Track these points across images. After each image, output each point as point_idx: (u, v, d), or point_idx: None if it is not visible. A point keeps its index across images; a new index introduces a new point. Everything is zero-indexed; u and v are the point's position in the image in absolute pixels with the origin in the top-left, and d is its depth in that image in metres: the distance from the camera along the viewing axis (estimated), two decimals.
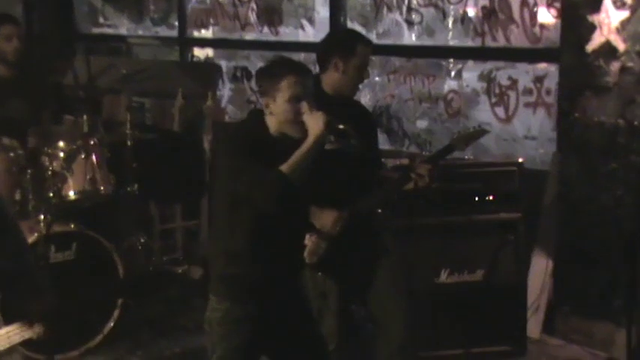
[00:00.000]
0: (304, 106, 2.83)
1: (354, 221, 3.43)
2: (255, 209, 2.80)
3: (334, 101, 3.52)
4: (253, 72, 6.74)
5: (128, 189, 4.87)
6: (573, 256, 4.52)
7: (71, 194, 4.40)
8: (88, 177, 4.42)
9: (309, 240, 3.29)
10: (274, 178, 2.75)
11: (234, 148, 2.84)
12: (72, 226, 4.39)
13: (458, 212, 4.24)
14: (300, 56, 6.36)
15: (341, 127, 2.88)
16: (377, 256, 3.56)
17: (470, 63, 5.41)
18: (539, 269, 4.58)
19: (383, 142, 5.46)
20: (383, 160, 4.01)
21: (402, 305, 3.54)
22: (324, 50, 3.58)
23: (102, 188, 4.50)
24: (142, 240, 5.09)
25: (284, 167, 2.76)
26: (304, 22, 6.36)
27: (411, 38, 5.67)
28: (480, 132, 3.82)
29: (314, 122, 2.80)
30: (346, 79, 3.50)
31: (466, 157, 4.58)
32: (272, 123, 2.88)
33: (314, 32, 6.27)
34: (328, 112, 3.41)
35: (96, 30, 7.90)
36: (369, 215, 3.58)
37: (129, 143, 4.88)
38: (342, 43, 3.53)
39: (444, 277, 4.22)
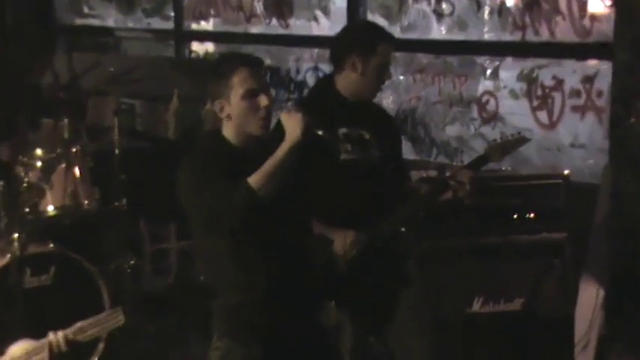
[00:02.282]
0: (263, 99, 2.87)
1: (374, 243, 3.44)
2: (226, 230, 2.80)
3: (351, 105, 3.54)
4: None
5: (115, 204, 4.90)
6: (628, 284, 4.50)
7: (50, 210, 4.43)
8: (69, 190, 4.45)
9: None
10: (240, 191, 2.74)
11: (193, 169, 2.87)
12: (50, 246, 4.42)
13: (493, 232, 4.23)
14: (313, 52, 6.40)
15: (320, 133, 2.88)
16: (398, 283, 3.57)
17: (508, 60, 5.41)
18: (589, 299, 4.56)
19: (407, 152, 5.47)
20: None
21: (426, 341, 3.54)
22: (339, 47, 3.59)
23: (85, 203, 4.53)
24: (131, 262, 5.11)
25: (252, 179, 2.75)
26: (318, 13, 6.39)
27: (440, 32, 5.68)
28: (520, 140, 3.82)
29: (292, 125, 2.81)
30: (365, 81, 3.52)
31: (503, 168, 4.58)
32: (231, 131, 2.91)
33: (329, 25, 6.29)
34: (343, 116, 3.45)
35: (79, 21, 7.96)
36: (390, 236, 3.59)
37: (116, 152, 4.91)
38: (360, 40, 3.54)
39: (477, 306, 4.21)
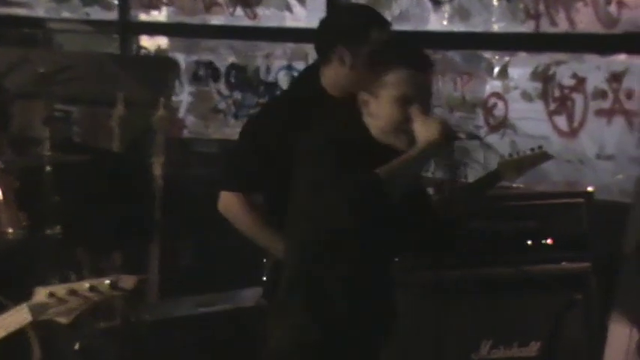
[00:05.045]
0: (416, 110, 2.88)
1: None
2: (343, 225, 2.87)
3: (337, 103, 3.55)
4: (222, 69, 6.76)
5: (47, 232, 4.86)
6: None
7: None
8: None
9: None
10: (367, 180, 2.77)
11: (322, 148, 2.91)
12: None
13: (504, 262, 4.23)
14: (286, 48, 6.40)
15: (461, 136, 2.97)
16: (384, 320, 3.54)
17: (519, 56, 5.44)
18: (620, 341, 4.56)
19: None
20: None
21: None
22: (324, 35, 3.61)
23: (9, 231, 4.47)
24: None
25: (380, 171, 2.80)
26: (292, 1, 6.40)
27: (438, 22, 5.70)
28: (540, 156, 3.83)
29: (427, 129, 2.86)
30: (355, 76, 3.49)
31: (514, 185, 4.58)
32: (372, 126, 2.96)
33: (305, 14, 6.31)
34: (327, 118, 3.46)
35: (2, 10, 7.92)
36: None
37: (48, 168, 4.87)
38: (347, 26, 3.55)
39: (485, 351, 4.21)
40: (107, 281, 2.77)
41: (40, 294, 2.80)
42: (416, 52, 3.02)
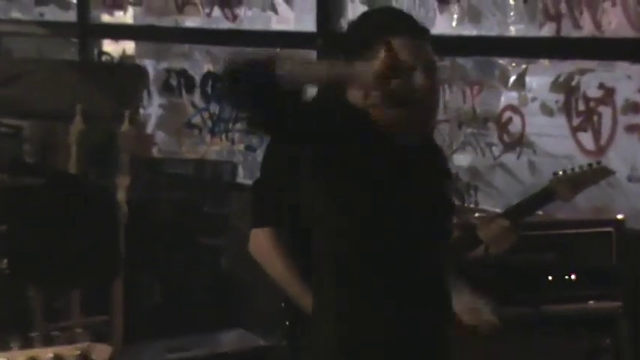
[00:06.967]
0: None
1: None
2: None
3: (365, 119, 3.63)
4: (197, 78, 6.77)
5: None
6: None
7: None
8: None
9: None
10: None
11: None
12: None
13: (521, 300, 4.24)
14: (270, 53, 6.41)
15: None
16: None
17: (538, 63, 5.45)
18: None
19: None
20: None
21: None
22: (347, 43, 3.66)
23: None
24: (16, 348, 5.04)
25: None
26: (277, 0, 6.42)
27: (446, 25, 5.71)
28: (600, 172, 3.82)
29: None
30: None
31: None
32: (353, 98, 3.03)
33: (294, 16, 6.32)
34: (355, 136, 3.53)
35: None
36: None
37: None
38: (371, 33, 3.60)
39: None
40: (77, 351, 2.67)
41: None
42: (407, 18, 3.06)
